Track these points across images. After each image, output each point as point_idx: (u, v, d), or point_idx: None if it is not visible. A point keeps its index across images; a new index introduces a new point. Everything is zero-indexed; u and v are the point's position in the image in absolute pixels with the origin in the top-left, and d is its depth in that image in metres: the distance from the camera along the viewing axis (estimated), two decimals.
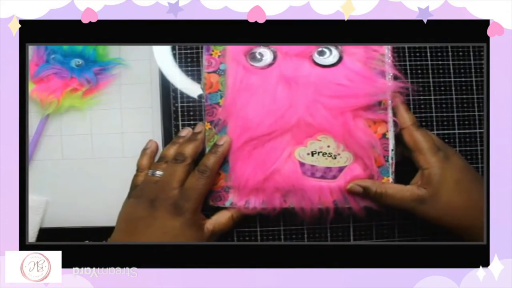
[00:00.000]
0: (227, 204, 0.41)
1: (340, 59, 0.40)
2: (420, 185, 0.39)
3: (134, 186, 0.42)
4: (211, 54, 0.41)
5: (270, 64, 0.40)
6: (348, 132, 0.39)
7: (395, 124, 0.40)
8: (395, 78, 0.40)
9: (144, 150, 0.44)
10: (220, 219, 0.42)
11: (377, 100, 0.39)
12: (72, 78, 0.45)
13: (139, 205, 0.39)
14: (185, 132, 0.43)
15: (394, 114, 0.40)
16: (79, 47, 0.45)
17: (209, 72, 0.41)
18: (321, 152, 0.40)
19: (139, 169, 0.43)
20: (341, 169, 0.40)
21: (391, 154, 0.40)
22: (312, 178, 0.40)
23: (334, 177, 0.40)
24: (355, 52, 0.40)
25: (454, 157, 0.39)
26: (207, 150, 0.41)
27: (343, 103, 0.39)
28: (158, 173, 0.40)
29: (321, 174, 0.40)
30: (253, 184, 0.40)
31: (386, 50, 0.40)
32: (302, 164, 0.40)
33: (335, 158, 0.40)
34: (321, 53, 0.40)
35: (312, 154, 0.40)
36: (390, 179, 0.40)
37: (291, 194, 0.41)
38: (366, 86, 0.39)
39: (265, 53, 0.41)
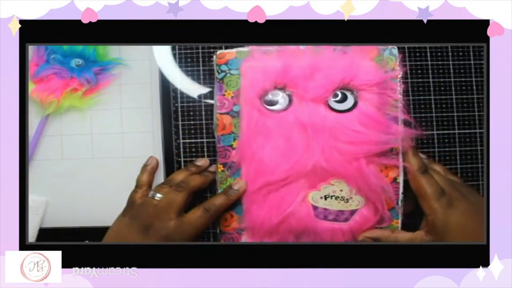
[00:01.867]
0: None
1: (355, 104, 0.40)
2: (426, 231, 0.39)
3: (131, 202, 0.41)
4: (224, 95, 0.41)
5: (285, 108, 0.40)
6: (362, 178, 0.39)
7: (406, 169, 0.40)
8: (406, 123, 0.40)
9: (145, 166, 0.44)
10: None
11: (390, 147, 0.40)
12: (72, 78, 0.45)
13: (132, 227, 0.39)
14: (201, 162, 0.44)
15: (405, 160, 0.40)
16: (79, 47, 0.45)
17: (221, 113, 0.41)
18: (334, 196, 0.40)
19: (138, 185, 0.42)
20: (353, 212, 0.41)
21: (401, 197, 0.40)
22: (324, 221, 0.41)
23: (346, 219, 0.41)
24: (370, 98, 0.40)
25: (460, 201, 0.38)
26: (219, 191, 0.41)
27: (358, 149, 0.39)
28: (158, 195, 0.40)
29: (333, 217, 0.41)
30: (267, 227, 0.40)
31: (399, 95, 0.40)
32: (315, 208, 0.40)
33: (348, 201, 0.40)
34: (336, 97, 0.40)
35: (325, 198, 0.40)
36: (400, 221, 0.41)
37: (304, 235, 0.41)
38: (380, 132, 0.39)
39: (278, 95, 0.40)
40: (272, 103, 0.40)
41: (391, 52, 0.40)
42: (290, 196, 0.40)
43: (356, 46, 0.40)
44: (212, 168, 0.43)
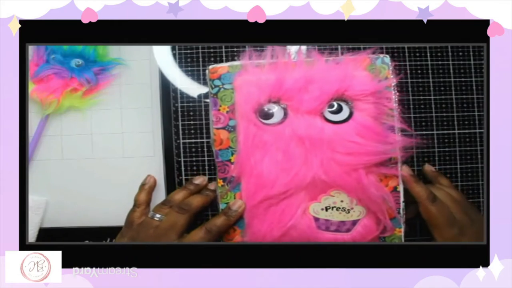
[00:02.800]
0: None
1: (350, 115, 0.40)
2: None
3: (129, 222, 0.41)
4: (219, 110, 0.41)
5: (281, 121, 0.40)
6: (361, 189, 0.39)
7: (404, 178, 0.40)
8: (403, 131, 0.40)
9: (142, 185, 0.43)
10: None
11: (388, 157, 0.40)
12: (72, 78, 0.45)
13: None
14: (199, 180, 0.43)
15: (410, 190, 0.40)
16: (79, 47, 0.45)
17: (218, 128, 0.41)
18: (334, 207, 0.40)
19: (136, 204, 0.42)
20: (354, 222, 0.41)
21: (402, 206, 0.41)
22: (326, 232, 0.41)
23: (348, 230, 0.41)
24: (366, 108, 0.40)
25: (470, 227, 0.39)
26: (220, 205, 0.41)
27: (356, 160, 0.39)
28: (158, 216, 0.40)
29: (335, 228, 0.41)
30: (270, 241, 0.40)
31: (395, 104, 0.40)
32: (316, 219, 0.40)
33: (349, 212, 0.40)
34: (332, 108, 0.40)
35: (326, 209, 0.40)
36: (402, 230, 0.41)
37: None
38: (378, 142, 0.39)
39: (274, 108, 0.40)
40: (268, 116, 0.40)
41: (383, 61, 0.40)
42: (290, 209, 0.40)
43: (348, 56, 0.40)
44: (211, 186, 0.43)
